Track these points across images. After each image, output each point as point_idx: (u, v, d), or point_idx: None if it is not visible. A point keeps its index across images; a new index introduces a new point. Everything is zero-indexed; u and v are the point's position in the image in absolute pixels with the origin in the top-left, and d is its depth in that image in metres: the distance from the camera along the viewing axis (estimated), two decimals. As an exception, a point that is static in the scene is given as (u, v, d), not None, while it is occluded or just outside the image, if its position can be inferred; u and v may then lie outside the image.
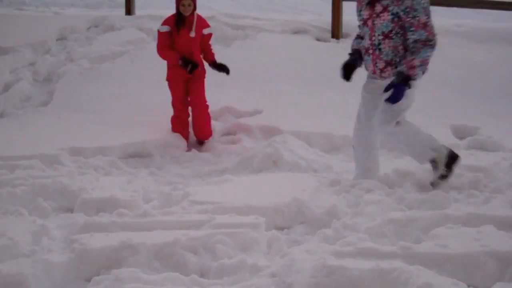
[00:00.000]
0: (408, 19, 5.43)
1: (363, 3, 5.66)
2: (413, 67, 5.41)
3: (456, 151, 5.93)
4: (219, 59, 7.44)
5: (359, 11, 5.75)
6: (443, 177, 5.71)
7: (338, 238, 4.64)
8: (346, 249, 4.30)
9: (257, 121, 7.67)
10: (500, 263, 4.15)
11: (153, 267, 4.45)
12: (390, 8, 5.48)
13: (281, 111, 7.87)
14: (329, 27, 10.33)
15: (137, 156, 7.05)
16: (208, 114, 7.36)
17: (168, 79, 7.35)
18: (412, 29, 5.43)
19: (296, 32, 10.51)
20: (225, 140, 7.50)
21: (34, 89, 8.85)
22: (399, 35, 5.52)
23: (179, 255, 4.51)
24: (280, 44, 9.93)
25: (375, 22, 5.58)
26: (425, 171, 6.16)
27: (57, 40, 10.35)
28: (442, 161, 5.68)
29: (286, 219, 5.29)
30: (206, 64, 7.41)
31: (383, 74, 5.66)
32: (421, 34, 5.41)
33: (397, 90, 5.45)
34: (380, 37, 5.58)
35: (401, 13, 5.45)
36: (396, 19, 5.48)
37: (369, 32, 5.64)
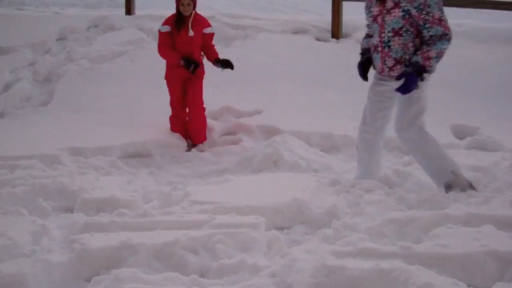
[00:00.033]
0: (422, 16, 5.36)
1: None
2: (429, 58, 5.34)
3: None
4: (219, 58, 7.43)
5: (368, 7, 5.65)
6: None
7: (338, 238, 4.64)
8: (346, 249, 4.30)
9: (257, 121, 7.67)
10: (500, 263, 4.15)
11: (153, 267, 4.45)
12: (402, 5, 5.40)
13: (281, 111, 7.87)
14: (329, 27, 10.33)
15: (137, 156, 7.05)
16: (204, 118, 7.33)
17: (166, 78, 7.34)
18: (427, 25, 5.36)
19: (296, 32, 10.52)
20: (225, 140, 7.50)
21: (34, 89, 8.86)
22: (409, 32, 5.44)
23: (179, 255, 4.50)
24: (280, 44, 9.93)
25: (385, 19, 5.48)
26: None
27: (57, 40, 10.36)
28: (458, 187, 5.52)
29: (286, 219, 5.29)
30: (206, 65, 7.39)
31: (391, 73, 5.57)
32: (437, 30, 5.34)
33: (410, 80, 5.38)
34: (390, 34, 5.49)
35: (414, 11, 5.37)
36: (407, 16, 5.40)
37: (379, 29, 5.55)
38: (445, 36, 5.36)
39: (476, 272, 4.15)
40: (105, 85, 8.70)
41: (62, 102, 8.30)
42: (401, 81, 5.42)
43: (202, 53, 7.34)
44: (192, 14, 7.15)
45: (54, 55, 9.81)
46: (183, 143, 7.29)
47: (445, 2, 5.46)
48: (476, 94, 8.25)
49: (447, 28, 5.38)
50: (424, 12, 5.36)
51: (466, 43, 9.34)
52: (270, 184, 5.82)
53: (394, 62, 5.52)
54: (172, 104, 7.34)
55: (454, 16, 10.47)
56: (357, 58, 5.91)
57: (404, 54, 5.49)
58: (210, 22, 7.45)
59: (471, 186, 5.56)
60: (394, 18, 5.45)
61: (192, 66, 7.07)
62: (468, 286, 4.00)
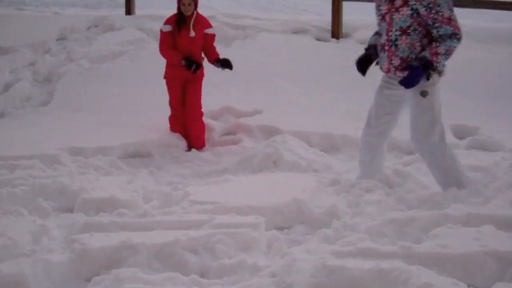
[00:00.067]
0: (431, 15, 5.29)
1: None
2: (437, 54, 5.27)
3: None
4: (219, 59, 7.42)
5: (378, 6, 5.58)
6: None
7: (338, 238, 4.64)
8: (346, 249, 4.30)
9: (257, 121, 7.67)
10: (500, 263, 4.15)
11: (153, 267, 4.45)
12: (410, 3, 5.33)
13: (281, 111, 7.87)
14: (329, 27, 10.33)
15: (137, 156, 7.05)
16: (202, 125, 7.31)
17: (165, 77, 7.33)
18: (436, 25, 5.29)
19: (296, 32, 10.52)
20: (225, 140, 7.50)
21: (34, 89, 8.86)
22: (416, 31, 5.37)
23: (179, 255, 4.50)
24: (280, 44, 9.93)
25: (394, 17, 5.42)
26: (425, 172, 6.16)
27: (57, 40, 10.36)
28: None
29: (286, 219, 5.29)
30: (205, 66, 7.37)
31: (398, 73, 5.49)
32: (447, 30, 5.28)
33: (414, 73, 5.31)
34: (398, 33, 5.42)
35: (422, 9, 5.30)
36: (415, 15, 5.34)
37: (387, 27, 5.49)
38: (455, 36, 5.29)
39: (476, 272, 4.15)
40: (105, 85, 8.70)
41: (62, 102, 8.31)
42: (405, 73, 5.35)
43: (202, 55, 7.32)
44: (194, 15, 7.14)
45: (54, 55, 9.81)
46: (183, 143, 7.29)
47: (445, 2, 5.42)
48: (476, 94, 8.25)
49: (457, 27, 5.31)
50: (433, 11, 5.29)
51: (466, 43, 9.26)
52: (270, 184, 5.82)
53: (400, 61, 5.45)
54: (171, 104, 7.33)
55: (454, 16, 10.49)
56: (356, 58, 5.90)
57: (410, 54, 5.42)
58: (210, 22, 7.45)
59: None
60: (402, 16, 5.38)
61: (194, 67, 7.07)
62: (468, 286, 4.00)
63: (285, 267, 4.22)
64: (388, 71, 5.58)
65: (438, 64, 5.32)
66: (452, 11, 5.33)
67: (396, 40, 5.44)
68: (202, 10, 7.32)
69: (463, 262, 4.17)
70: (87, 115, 7.87)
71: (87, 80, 8.84)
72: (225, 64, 7.19)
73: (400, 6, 5.39)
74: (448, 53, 5.31)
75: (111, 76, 8.98)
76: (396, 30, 5.43)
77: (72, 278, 4.40)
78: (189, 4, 7.06)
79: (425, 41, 5.39)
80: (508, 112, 7.86)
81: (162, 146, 7.18)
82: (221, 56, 7.30)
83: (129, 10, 11.42)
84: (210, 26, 7.29)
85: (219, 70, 7.29)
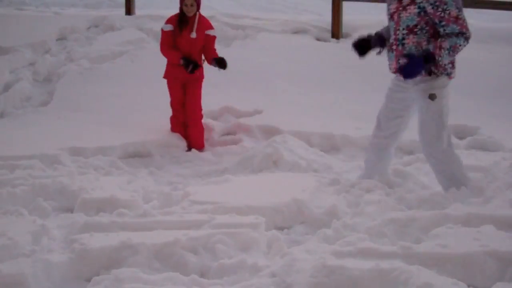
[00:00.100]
0: (438, 13, 5.25)
1: None
2: (440, 48, 5.21)
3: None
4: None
5: (388, 5, 5.54)
6: None
7: (338, 238, 4.64)
8: (346, 249, 4.30)
9: (257, 121, 7.67)
10: (500, 263, 4.15)
11: (153, 267, 4.44)
12: (417, 1, 5.29)
13: (281, 111, 7.87)
14: (329, 27, 10.34)
15: (137, 156, 7.05)
16: (201, 127, 7.31)
17: (165, 76, 7.32)
18: (443, 23, 5.25)
19: (296, 32, 10.52)
20: (225, 140, 7.50)
21: (34, 89, 8.86)
22: (424, 31, 5.33)
23: (179, 255, 4.50)
24: (280, 44, 9.93)
25: (401, 15, 5.39)
26: (425, 172, 6.16)
27: (57, 40, 10.36)
28: None
29: (286, 219, 5.29)
30: (205, 67, 7.36)
31: None
32: (453, 28, 5.23)
33: (413, 62, 5.25)
34: (405, 32, 5.38)
35: (429, 8, 5.27)
36: (422, 13, 5.30)
37: (394, 26, 5.45)
38: (462, 34, 5.24)
39: (476, 272, 4.15)
40: (105, 85, 8.70)
41: (62, 102, 8.31)
42: (404, 61, 5.30)
43: (203, 57, 7.30)
44: (197, 16, 7.12)
45: (54, 55, 9.81)
46: (183, 143, 7.29)
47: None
48: (476, 94, 8.25)
49: (465, 27, 5.26)
50: (440, 9, 5.25)
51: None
52: (270, 184, 5.82)
53: (406, 61, 5.39)
54: (172, 104, 7.33)
55: (454, 16, 10.49)
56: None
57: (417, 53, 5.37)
58: (211, 21, 7.44)
59: None
60: (410, 15, 5.35)
61: (191, 66, 7.06)
62: (468, 286, 4.00)
63: (285, 267, 4.22)
64: (395, 71, 5.55)
65: (440, 58, 5.26)
66: (460, 10, 5.28)
67: (403, 39, 5.41)
68: (202, 10, 7.31)
69: (463, 262, 4.17)
70: (87, 115, 7.87)
71: (87, 80, 8.85)
72: (220, 63, 7.17)
73: (408, 5, 5.36)
74: (453, 50, 5.25)
75: (111, 76, 8.98)
76: (403, 29, 5.40)
77: (72, 278, 4.40)
78: (191, 5, 7.05)
79: (432, 41, 5.34)
80: (508, 112, 7.86)
81: (162, 146, 7.18)
82: (220, 56, 7.28)
83: (129, 10, 11.42)
84: (211, 27, 7.27)
85: (220, 70, 7.28)
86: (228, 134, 7.66)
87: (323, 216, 5.23)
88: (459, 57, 5.47)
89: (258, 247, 4.67)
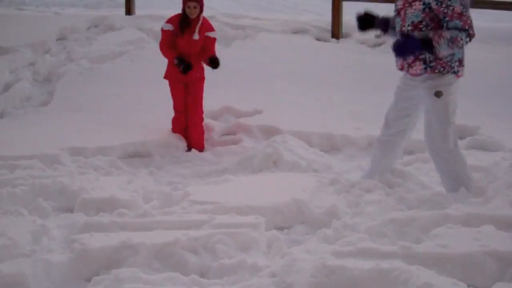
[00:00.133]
0: (441, 9, 5.24)
1: None
2: (440, 36, 5.19)
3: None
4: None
5: (396, 1, 5.54)
6: None
7: (338, 238, 4.64)
8: (346, 249, 4.29)
9: (257, 121, 7.67)
10: (500, 263, 4.15)
11: (153, 267, 4.45)
12: None
13: (281, 111, 7.87)
14: (329, 27, 10.34)
15: (137, 156, 7.05)
16: (202, 129, 7.29)
17: (166, 77, 7.31)
18: (447, 19, 5.23)
19: (296, 32, 10.52)
20: (225, 140, 7.50)
21: (34, 89, 8.86)
22: (429, 27, 5.31)
23: (179, 255, 4.50)
24: (280, 44, 9.93)
25: (407, 12, 5.38)
26: (425, 172, 6.16)
27: (57, 40, 10.36)
28: None
29: (286, 219, 5.29)
30: (206, 68, 7.34)
31: (411, 70, 5.45)
32: (456, 24, 5.20)
33: (410, 41, 5.24)
34: (410, 28, 5.37)
35: (434, 3, 5.26)
36: (427, 10, 5.29)
37: (401, 23, 5.44)
38: (464, 30, 5.21)
39: (476, 272, 4.15)
40: (105, 85, 8.70)
41: (62, 102, 8.31)
42: (398, 39, 5.27)
43: (203, 61, 7.27)
44: (201, 19, 7.10)
45: (54, 55, 9.81)
46: (183, 143, 7.29)
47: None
48: (476, 94, 8.25)
49: (468, 24, 5.24)
50: (444, 5, 5.24)
51: (466, 43, 9.33)
52: (270, 184, 5.82)
53: (413, 58, 5.39)
54: (175, 107, 7.30)
55: (454, 16, 10.49)
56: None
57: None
58: (210, 22, 7.43)
59: None
60: (415, 11, 5.34)
61: (182, 66, 7.02)
62: (468, 286, 4.00)
63: (285, 267, 4.22)
64: (401, 68, 5.54)
65: (438, 46, 5.21)
66: (465, 8, 5.27)
67: (408, 35, 5.39)
68: (202, 10, 7.30)
69: (463, 262, 4.17)
70: (87, 115, 7.87)
71: (87, 80, 8.85)
72: (212, 61, 7.10)
73: (414, 1, 5.36)
74: (453, 42, 5.22)
75: (111, 76, 8.98)
76: (408, 25, 5.39)
77: (72, 278, 4.40)
78: (195, 7, 7.02)
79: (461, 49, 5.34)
80: (508, 112, 7.86)
81: (162, 146, 7.18)
82: (220, 56, 7.27)
83: (129, 10, 11.42)
84: (212, 29, 7.25)
85: (219, 70, 7.27)
86: (228, 134, 7.65)
87: (323, 216, 5.23)
88: (460, 57, 5.46)
89: (258, 247, 4.67)
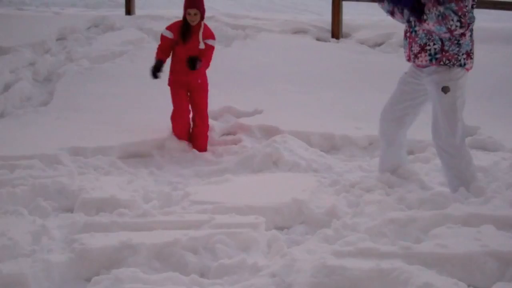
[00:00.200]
0: None
1: None
2: (434, 6, 5.17)
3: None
4: (219, 59, 7.38)
5: None
6: None
7: (338, 238, 4.64)
8: (346, 249, 4.30)
9: (257, 121, 7.67)
10: (500, 263, 4.15)
11: (153, 267, 4.45)
12: None
13: (281, 111, 7.87)
14: (329, 27, 10.34)
15: (137, 156, 7.04)
16: (206, 133, 7.25)
17: (169, 84, 7.28)
18: (445, 2, 5.19)
19: (296, 32, 10.53)
20: (225, 140, 7.50)
21: (34, 89, 8.86)
22: None
23: (179, 255, 4.50)
24: (280, 44, 9.93)
25: None
26: (425, 172, 6.16)
27: (57, 40, 10.37)
28: None
29: (286, 219, 5.29)
30: (206, 75, 7.32)
31: (417, 61, 5.44)
32: (451, 6, 5.18)
33: None
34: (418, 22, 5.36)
35: None
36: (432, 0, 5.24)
37: (408, 13, 5.44)
38: (456, 13, 5.18)
39: (476, 272, 4.15)
40: (105, 85, 8.69)
41: (62, 102, 8.30)
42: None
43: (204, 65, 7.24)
44: (202, 26, 7.08)
45: (54, 55, 9.81)
46: (183, 143, 7.27)
47: (445, 2, 5.38)
48: (476, 94, 8.24)
49: (462, 11, 5.19)
50: None
51: (466, 43, 9.33)
52: (270, 184, 5.83)
53: (419, 48, 5.40)
54: (174, 117, 7.18)
55: (454, 16, 10.49)
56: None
57: (428, 41, 5.36)
58: (210, 22, 7.41)
59: None
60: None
61: (153, 74, 6.99)
62: (468, 286, 4.00)
63: (285, 267, 4.22)
64: (408, 58, 5.54)
65: (427, 13, 5.18)
66: None
67: (415, 26, 5.40)
68: (202, 10, 7.29)
69: (463, 262, 4.17)
70: (87, 115, 7.86)
71: (87, 80, 8.85)
72: (190, 61, 6.94)
73: None
74: (443, 18, 5.18)
75: (111, 76, 8.98)
76: (419, 23, 5.37)
77: (72, 278, 4.40)
78: (195, 14, 6.95)
79: (447, 34, 5.29)
80: (508, 112, 7.86)
81: (162, 146, 7.18)
82: (220, 56, 7.22)
83: (129, 10, 11.43)
84: (212, 37, 7.15)
85: (219, 70, 7.24)
86: (228, 134, 7.65)
87: (323, 216, 5.24)
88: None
89: (258, 247, 4.67)
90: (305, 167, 6.42)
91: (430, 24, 5.25)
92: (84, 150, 6.83)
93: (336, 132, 7.30)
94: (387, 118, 5.74)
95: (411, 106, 5.66)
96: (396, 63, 8.44)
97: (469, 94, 8.02)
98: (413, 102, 5.65)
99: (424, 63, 5.42)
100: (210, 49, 7.13)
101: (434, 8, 5.21)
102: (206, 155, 7.13)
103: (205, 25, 7.13)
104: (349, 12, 10.62)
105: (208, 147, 7.29)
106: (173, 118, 7.24)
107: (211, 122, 7.58)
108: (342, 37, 10.21)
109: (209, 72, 7.36)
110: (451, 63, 5.37)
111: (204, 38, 7.09)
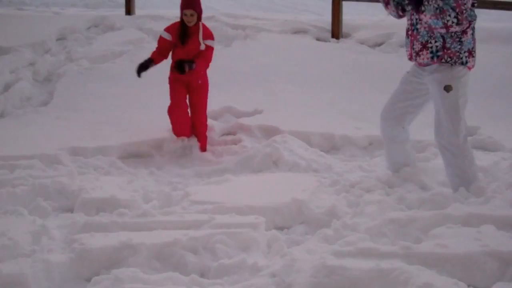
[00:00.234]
0: None
1: None
2: None
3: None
4: (219, 59, 7.38)
5: None
6: None
7: (338, 238, 4.64)
8: (346, 249, 4.30)
9: (257, 121, 7.67)
10: (500, 263, 4.15)
11: (153, 267, 4.45)
12: None
13: (281, 111, 7.87)
14: (329, 27, 10.33)
15: (137, 156, 7.04)
16: (205, 133, 7.23)
17: (169, 82, 7.28)
18: None
19: (296, 32, 10.52)
20: (225, 140, 7.50)
21: (34, 89, 8.85)
22: None
23: (179, 255, 4.51)
24: (280, 44, 9.93)
25: None
26: (425, 172, 6.16)
27: (57, 40, 10.36)
28: None
29: (286, 219, 5.29)
30: (207, 75, 7.32)
31: (419, 59, 5.45)
32: (449, 2, 5.19)
33: None
34: (417, 17, 5.38)
35: None
36: None
37: (410, 12, 5.46)
38: (454, 10, 5.18)
39: (476, 272, 4.15)
40: (105, 85, 8.69)
41: (62, 102, 8.30)
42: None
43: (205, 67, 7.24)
44: (201, 27, 7.06)
45: (54, 55, 9.81)
46: (183, 143, 7.27)
47: (445, 3, 5.38)
48: (476, 94, 8.23)
49: (460, 8, 5.19)
50: None
51: (466, 43, 9.33)
52: (270, 184, 5.83)
53: (421, 46, 5.40)
54: (170, 110, 7.17)
55: (454, 16, 10.48)
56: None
57: (430, 39, 5.37)
58: (210, 22, 7.40)
59: None
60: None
61: (138, 73, 7.01)
62: (468, 286, 4.00)
63: (285, 267, 4.22)
64: (410, 57, 5.54)
65: (426, 4, 5.20)
66: None
67: (417, 23, 5.41)
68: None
69: (463, 262, 4.17)
70: (87, 115, 7.87)
71: (87, 80, 8.84)
72: (178, 64, 6.91)
73: None
74: (440, 12, 5.20)
75: (111, 76, 8.98)
76: (416, 14, 5.39)
77: (72, 278, 4.40)
78: (191, 15, 6.92)
79: (443, 29, 5.31)
80: (508, 112, 7.85)
81: (162, 146, 7.18)
82: (220, 56, 7.22)
83: (129, 10, 11.42)
84: (211, 37, 7.12)
85: (219, 70, 7.23)
86: (228, 134, 7.65)
87: (323, 216, 5.24)
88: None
89: (258, 247, 4.67)
90: (305, 167, 6.42)
91: (427, 17, 5.27)
92: (84, 150, 6.83)
93: (336, 132, 7.30)
94: (387, 117, 5.74)
95: (411, 105, 5.67)
96: (396, 63, 8.44)
97: (469, 94, 8.03)
98: (414, 102, 5.66)
99: (425, 60, 5.42)
100: (209, 49, 7.11)
101: (433, 1, 5.23)
102: (206, 155, 7.13)
103: (204, 26, 7.12)
104: (349, 12, 10.61)
105: (208, 147, 7.29)
106: (171, 111, 7.16)
107: (211, 122, 7.58)
108: (342, 37, 10.20)
109: (209, 72, 7.36)
110: (453, 60, 5.37)
111: (204, 39, 7.08)
